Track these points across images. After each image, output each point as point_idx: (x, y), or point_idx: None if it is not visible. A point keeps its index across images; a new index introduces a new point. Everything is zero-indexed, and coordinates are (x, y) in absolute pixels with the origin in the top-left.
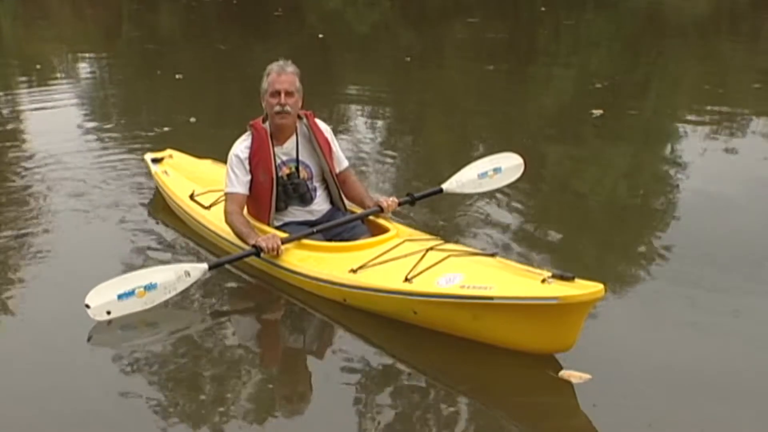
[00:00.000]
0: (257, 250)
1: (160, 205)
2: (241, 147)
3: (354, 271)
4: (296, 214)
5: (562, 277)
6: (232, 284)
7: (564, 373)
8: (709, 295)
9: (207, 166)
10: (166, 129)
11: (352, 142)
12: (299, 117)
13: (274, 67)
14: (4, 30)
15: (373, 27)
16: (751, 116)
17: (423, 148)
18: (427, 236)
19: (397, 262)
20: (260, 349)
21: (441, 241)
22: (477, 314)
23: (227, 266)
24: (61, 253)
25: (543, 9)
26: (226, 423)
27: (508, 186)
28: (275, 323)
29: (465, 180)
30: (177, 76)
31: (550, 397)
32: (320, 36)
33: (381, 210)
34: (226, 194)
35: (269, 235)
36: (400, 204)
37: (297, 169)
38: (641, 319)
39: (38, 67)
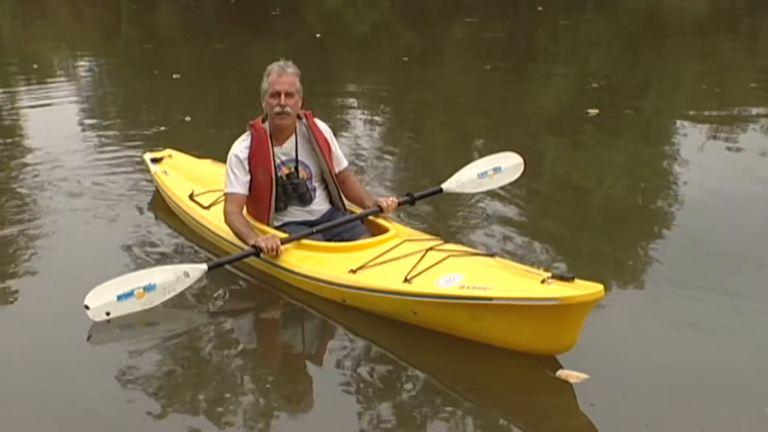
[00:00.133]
0: (257, 251)
1: (159, 205)
2: (241, 147)
3: (353, 271)
4: (296, 214)
5: (561, 278)
6: (231, 285)
7: (562, 373)
8: (708, 295)
9: (206, 166)
10: (162, 128)
11: (351, 142)
12: (299, 117)
13: (274, 67)
14: (3, 29)
15: (372, 27)
16: (750, 116)
17: (422, 147)
18: (427, 236)
19: (396, 263)
20: (260, 349)
21: (441, 241)
22: (477, 315)
23: (227, 267)
24: (60, 253)
25: (540, 9)
26: (226, 423)
27: (508, 185)
28: (275, 323)
29: (465, 179)
30: (174, 76)
31: (548, 397)
32: (318, 36)
33: (381, 210)
34: (225, 194)
35: (269, 235)
36: (399, 204)
37: (296, 169)
38: (640, 319)
39: (35, 66)
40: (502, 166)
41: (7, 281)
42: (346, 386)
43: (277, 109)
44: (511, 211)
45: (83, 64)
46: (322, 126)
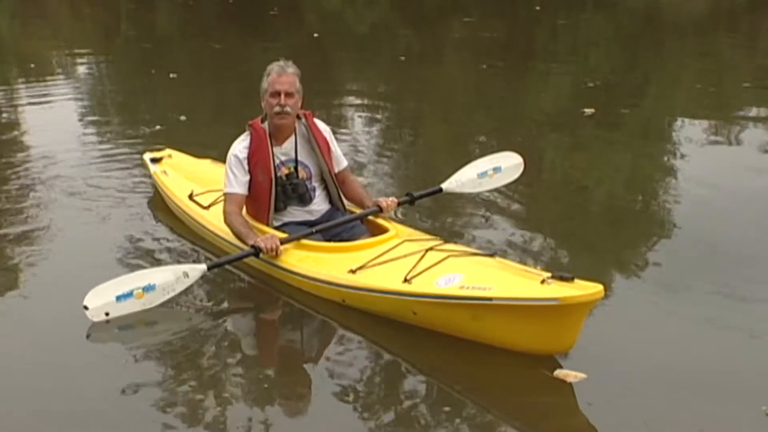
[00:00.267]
0: (256, 251)
1: (158, 205)
2: (240, 147)
3: (353, 271)
4: (295, 214)
5: (561, 278)
6: (230, 285)
7: (559, 373)
8: (706, 294)
9: (206, 166)
10: (157, 127)
11: (350, 142)
12: (298, 117)
13: (274, 67)
14: (2, 29)
15: (371, 27)
16: (748, 114)
17: (421, 146)
18: (427, 236)
19: (396, 263)
20: (259, 349)
21: (440, 241)
22: (476, 315)
23: (226, 267)
24: (58, 253)
25: (538, 8)
26: (225, 423)
27: (507, 185)
28: (274, 324)
29: (465, 179)
30: (171, 75)
31: (546, 397)
32: (315, 35)
33: (380, 210)
34: (224, 194)
35: (268, 235)
36: (399, 204)
37: (296, 169)
38: (638, 319)
39: (33, 65)
40: (502, 166)
41: (6, 281)
42: (345, 386)
43: (277, 108)
44: (510, 211)
45: (81, 64)
46: (322, 126)
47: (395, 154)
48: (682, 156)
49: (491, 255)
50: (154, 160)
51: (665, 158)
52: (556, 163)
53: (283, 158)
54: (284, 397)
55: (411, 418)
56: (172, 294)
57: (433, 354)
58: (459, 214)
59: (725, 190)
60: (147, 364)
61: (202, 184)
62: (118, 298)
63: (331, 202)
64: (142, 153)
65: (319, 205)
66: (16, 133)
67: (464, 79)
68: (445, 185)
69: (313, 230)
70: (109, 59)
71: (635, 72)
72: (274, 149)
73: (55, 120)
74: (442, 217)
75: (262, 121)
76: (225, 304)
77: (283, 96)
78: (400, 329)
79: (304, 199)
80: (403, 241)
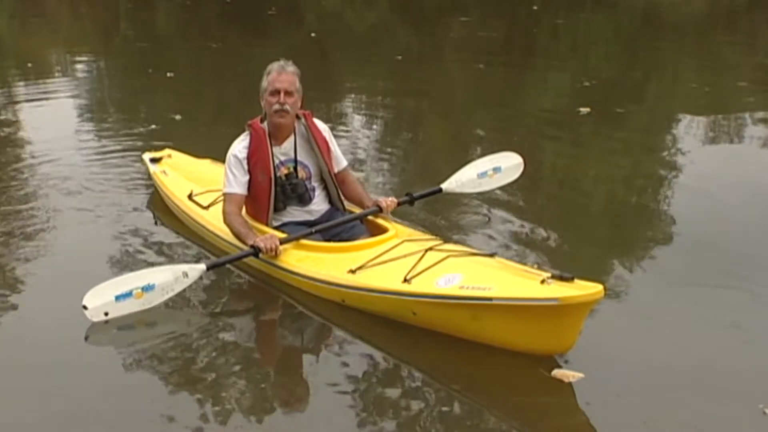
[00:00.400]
0: (256, 251)
1: (158, 205)
2: (239, 147)
3: (353, 271)
4: (295, 214)
5: (561, 278)
6: (230, 285)
7: (557, 373)
8: (706, 295)
9: (205, 166)
10: (152, 126)
11: (349, 142)
12: (297, 117)
13: (274, 66)
14: (1, 28)
15: (370, 27)
16: (747, 114)
17: (419, 146)
18: (427, 236)
19: (396, 263)
20: (258, 349)
21: (440, 241)
22: (476, 315)
23: (225, 267)
24: (57, 253)
25: (535, 8)
26: (225, 423)
27: (507, 185)
28: (274, 324)
29: (464, 179)
30: (168, 75)
31: (545, 397)
32: (312, 35)
33: (380, 210)
34: (224, 194)
35: (268, 235)
36: (399, 204)
37: (295, 169)
38: (637, 319)
39: (30, 65)
40: (502, 166)
41: (4, 281)
42: (344, 386)
43: (276, 106)
44: (510, 211)
45: (80, 63)
46: (321, 126)
47: (394, 153)
48: (681, 155)
49: (491, 255)
50: (154, 160)
51: (663, 158)
52: (555, 163)
53: (282, 158)
54: (283, 396)
55: (410, 418)
56: (171, 294)
57: (433, 354)
58: (459, 214)
59: (725, 189)
60: (146, 364)
61: (201, 184)
62: (118, 297)
63: (330, 202)
64: (138, 152)
65: (319, 205)
66: (14, 132)
67: (461, 78)
68: (445, 185)
69: (313, 230)
70: (108, 59)
71: (632, 71)
72: (274, 149)
73: (52, 119)
74: (442, 217)
75: (262, 121)
76: (224, 305)
77: (282, 94)
78: (399, 329)
79: (304, 199)
80: (402, 241)
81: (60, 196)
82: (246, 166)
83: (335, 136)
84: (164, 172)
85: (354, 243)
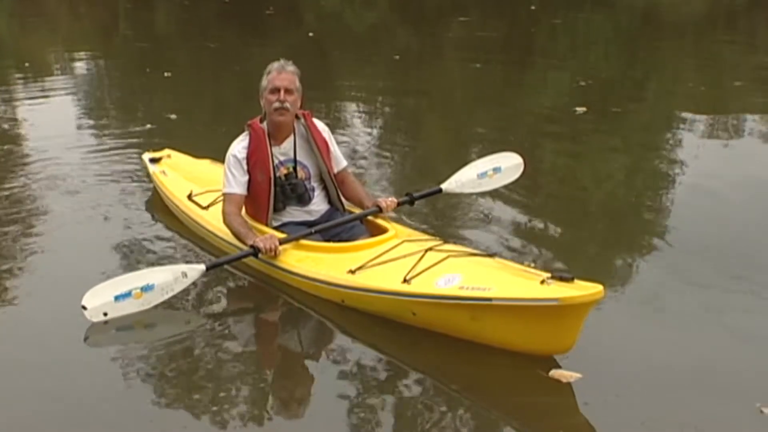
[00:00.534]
0: (255, 251)
1: (157, 205)
2: (239, 147)
3: (352, 271)
4: (294, 214)
5: (561, 278)
6: (229, 285)
7: (554, 373)
8: (705, 295)
9: (205, 166)
10: (147, 126)
11: (348, 142)
12: (297, 117)
13: (274, 65)
14: (0, 28)
15: (369, 26)
16: (745, 113)
17: (418, 145)
18: (426, 237)
19: (395, 263)
20: (258, 349)
21: (440, 242)
22: (476, 315)
23: (225, 267)
24: (56, 253)
25: (533, 8)
26: (224, 423)
27: (507, 185)
28: (273, 324)
29: (464, 180)
30: (165, 74)
31: (544, 397)
32: (310, 34)
33: (380, 210)
34: (223, 195)
35: (267, 235)
36: (399, 204)
37: (295, 169)
38: (636, 319)
39: (28, 64)
40: (502, 167)
41: (3, 281)
42: (344, 387)
43: (276, 104)
44: (510, 211)
45: (78, 63)
46: (321, 126)
47: (394, 153)
48: (680, 155)
49: (491, 255)
50: (153, 160)
51: (663, 157)
52: (554, 163)
53: (282, 158)
54: (283, 397)
55: (409, 418)
56: (170, 294)
57: (432, 354)
58: (459, 214)
59: (724, 188)
60: (146, 364)
61: (201, 184)
62: (117, 298)
63: (330, 202)
64: (135, 149)
65: (318, 205)
66: (12, 132)
67: (460, 78)
68: (445, 185)
69: (312, 230)
70: (106, 58)
71: (631, 71)
72: (273, 149)
73: (50, 119)
74: (442, 218)
75: (261, 121)
76: (224, 305)
77: (282, 92)
78: (399, 330)
79: (303, 200)
80: (402, 242)
81: (58, 195)
82: (245, 166)
83: (334, 136)
84: (164, 172)
85: (354, 243)
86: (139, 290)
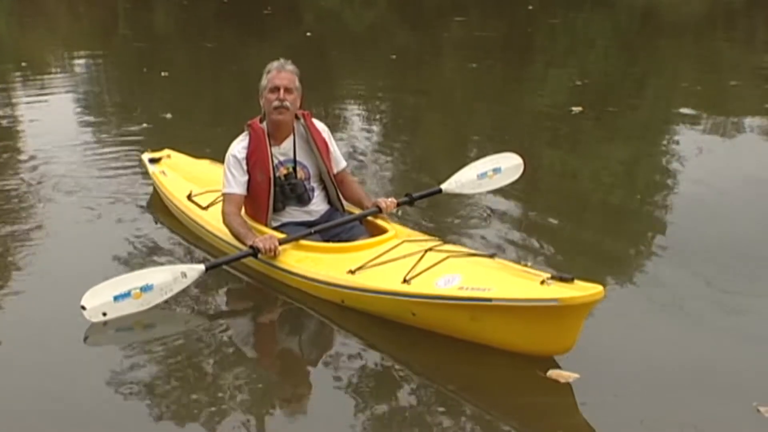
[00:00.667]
0: (255, 251)
1: (157, 206)
2: (239, 147)
3: (352, 272)
4: (294, 214)
5: (561, 279)
6: (229, 285)
7: (552, 373)
8: (704, 294)
9: (205, 166)
10: (143, 125)
11: (348, 142)
12: (297, 117)
13: (274, 64)
14: None
15: (367, 26)
16: (743, 113)
17: (418, 145)
18: (426, 237)
19: (395, 263)
20: (257, 350)
21: (440, 242)
22: (475, 316)
23: (224, 267)
24: (55, 253)
25: (530, 8)
26: (224, 423)
27: (507, 186)
28: (273, 324)
29: (464, 180)
30: (163, 74)
31: (543, 397)
32: (308, 34)
33: (379, 210)
34: (223, 195)
35: (267, 235)
36: (398, 204)
37: (294, 169)
38: (635, 319)
39: (26, 64)
40: (502, 167)
41: (2, 281)
42: (343, 387)
43: (276, 103)
44: (509, 212)
45: (77, 63)
46: (320, 126)
47: (393, 153)
48: (679, 154)
49: (491, 255)
50: (153, 161)
51: (662, 157)
52: (553, 162)
53: (281, 158)
54: (282, 397)
55: (408, 418)
56: (170, 294)
57: (431, 354)
58: (458, 214)
59: (723, 188)
60: (145, 364)
61: (200, 184)
62: (116, 298)
63: (329, 202)
64: (133, 148)
65: (318, 205)
66: (11, 131)
67: (459, 77)
68: (445, 186)
69: (312, 231)
70: (105, 58)
71: (627, 71)
72: (273, 149)
73: (48, 118)
74: (442, 218)
75: (261, 121)
76: (223, 305)
77: (282, 91)
78: (398, 330)
79: (303, 200)
80: (402, 242)
81: (57, 195)
82: (245, 167)
83: (334, 137)
84: (163, 172)
85: (353, 243)
86: (138, 290)
